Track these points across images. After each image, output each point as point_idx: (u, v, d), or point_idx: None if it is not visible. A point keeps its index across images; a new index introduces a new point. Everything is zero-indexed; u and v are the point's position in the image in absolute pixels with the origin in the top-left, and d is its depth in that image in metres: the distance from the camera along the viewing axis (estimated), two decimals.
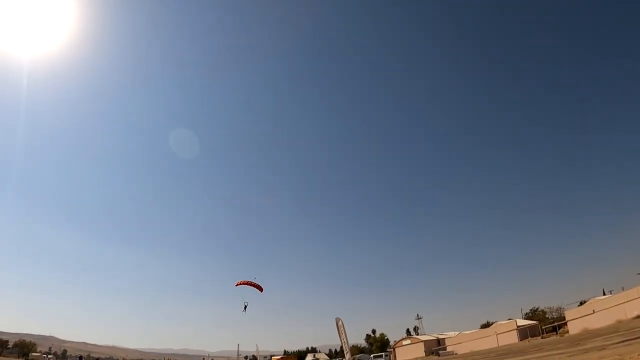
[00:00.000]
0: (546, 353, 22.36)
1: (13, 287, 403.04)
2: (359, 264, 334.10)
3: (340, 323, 21.61)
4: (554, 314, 67.98)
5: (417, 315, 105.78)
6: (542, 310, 77.97)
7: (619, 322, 38.65)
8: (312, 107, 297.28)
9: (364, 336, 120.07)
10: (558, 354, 20.24)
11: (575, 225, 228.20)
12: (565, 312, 56.18)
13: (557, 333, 53.29)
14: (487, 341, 59.48)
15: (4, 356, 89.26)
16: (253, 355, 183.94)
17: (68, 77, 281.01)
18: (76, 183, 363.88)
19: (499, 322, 65.01)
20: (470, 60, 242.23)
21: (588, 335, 32.97)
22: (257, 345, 67.39)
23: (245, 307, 42.35)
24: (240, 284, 39.24)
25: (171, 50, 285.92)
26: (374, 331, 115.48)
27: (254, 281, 38.05)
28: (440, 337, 74.54)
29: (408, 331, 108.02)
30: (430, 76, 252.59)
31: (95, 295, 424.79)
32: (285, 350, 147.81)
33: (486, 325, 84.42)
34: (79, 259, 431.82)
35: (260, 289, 38.76)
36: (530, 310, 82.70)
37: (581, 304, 61.07)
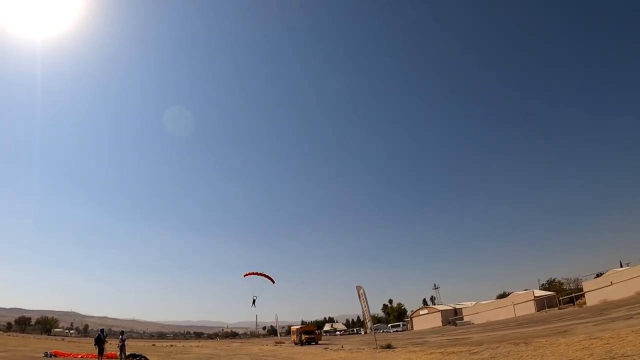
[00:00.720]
0: (570, 322, 23.09)
1: (34, 265, 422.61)
2: (376, 236, 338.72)
3: (361, 291, 22.08)
4: (571, 285, 68.34)
5: (434, 285, 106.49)
6: (559, 282, 78.24)
7: (639, 293, 39.10)
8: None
9: (381, 306, 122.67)
10: (583, 322, 20.97)
11: (591, 198, 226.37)
12: (582, 283, 56.69)
13: (574, 304, 53.96)
14: (504, 311, 60.57)
15: (27, 333, 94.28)
16: (271, 326, 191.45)
17: (77, 56, 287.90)
18: (94, 160, 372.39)
19: (516, 293, 65.77)
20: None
21: (609, 305, 33.46)
22: (276, 315, 68.56)
23: (254, 301, 42.82)
24: (249, 274, 39.52)
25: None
26: (390, 301, 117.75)
27: (264, 273, 38.91)
28: (457, 307, 75.38)
29: (425, 301, 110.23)
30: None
31: (116, 270, 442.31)
32: (302, 321, 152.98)
33: (502, 295, 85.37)
34: (98, 235, 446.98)
35: (272, 281, 39.14)
36: (547, 281, 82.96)
37: (597, 276, 61.45)
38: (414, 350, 17.53)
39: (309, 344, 41.17)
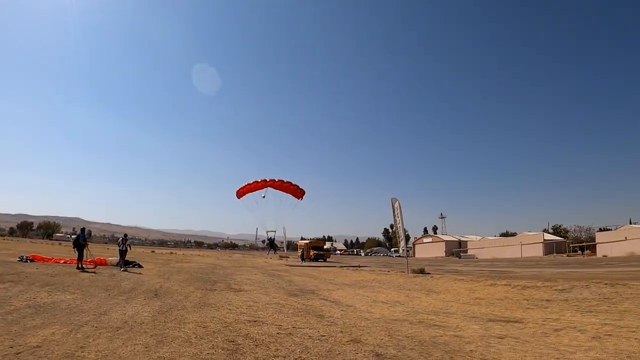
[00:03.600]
0: (628, 269, 20.48)
1: (40, 172, 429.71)
2: (381, 159, 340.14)
3: (397, 204, 19.00)
4: (582, 233, 66.40)
5: (441, 215, 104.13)
6: (565, 229, 76.66)
7: None
8: None
9: (382, 230, 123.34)
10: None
11: (609, 152, 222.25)
12: (595, 234, 54.54)
13: (582, 254, 52.32)
14: (511, 250, 59.31)
15: (28, 237, 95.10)
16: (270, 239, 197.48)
17: None
18: (98, 64, 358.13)
19: (525, 233, 64.18)
20: None
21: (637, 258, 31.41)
22: (284, 228, 63.60)
23: (272, 242, 29.39)
24: (246, 191, 24.30)
25: None
26: (392, 226, 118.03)
27: (279, 181, 23.93)
28: (462, 239, 74.42)
29: (425, 230, 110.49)
30: None
31: (120, 178, 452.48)
32: (302, 237, 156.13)
33: (505, 234, 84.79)
34: (104, 142, 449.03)
35: (298, 194, 24.34)
36: (552, 227, 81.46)
37: (600, 230, 59.49)
38: (461, 279, 14.68)
39: (316, 260, 39.77)
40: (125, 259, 17.27)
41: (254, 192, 24.13)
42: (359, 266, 25.95)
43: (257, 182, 23.92)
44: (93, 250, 38.36)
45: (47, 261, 17.87)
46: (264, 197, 23.54)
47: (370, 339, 5.30)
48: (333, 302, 9.12)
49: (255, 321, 6.22)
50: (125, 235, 17.46)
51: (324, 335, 5.43)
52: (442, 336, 5.65)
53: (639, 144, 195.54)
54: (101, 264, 17.78)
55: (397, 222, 18.94)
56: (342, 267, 25.62)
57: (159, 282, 11.80)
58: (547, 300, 9.44)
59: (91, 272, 13.84)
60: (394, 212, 19.19)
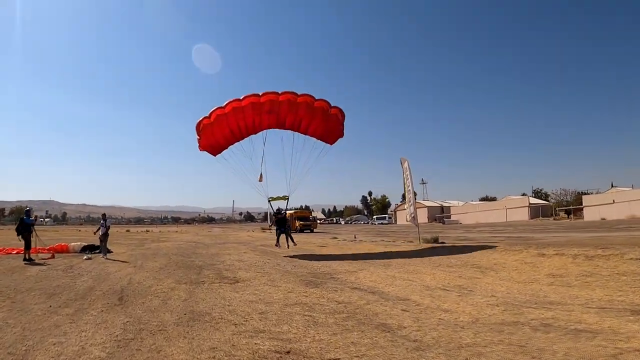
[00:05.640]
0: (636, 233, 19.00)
1: (12, 156, 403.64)
2: (354, 122, 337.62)
3: (406, 164, 16.71)
4: (568, 197, 66.58)
5: (422, 180, 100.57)
6: (546, 193, 77.25)
7: None
8: None
9: (359, 197, 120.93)
10: None
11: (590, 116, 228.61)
12: (583, 197, 54.49)
13: (569, 217, 52.30)
14: (496, 214, 58.93)
15: (1, 224, 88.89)
16: (247, 212, 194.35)
17: None
18: (68, 44, 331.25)
19: (509, 197, 63.95)
20: None
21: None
22: (269, 199, 59.40)
23: (283, 216, 15.07)
24: (229, 137, 12.92)
25: None
26: (370, 193, 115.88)
27: (287, 98, 12.08)
28: (445, 204, 73.65)
29: (403, 196, 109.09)
30: None
31: (93, 158, 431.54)
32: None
33: (485, 199, 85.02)
34: (75, 122, 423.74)
35: (332, 132, 13.62)
36: (534, 191, 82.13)
37: (579, 194, 59.86)
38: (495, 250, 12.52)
39: (303, 231, 37.48)
40: (93, 243, 14.29)
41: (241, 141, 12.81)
42: (355, 237, 23.74)
43: (238, 104, 11.66)
44: (66, 234, 34.21)
45: None
46: (260, 180, 13.64)
47: None
48: (373, 292, 6.54)
49: (288, 352, 3.51)
50: (104, 215, 14.20)
51: None
52: (622, 354, 3.18)
53: (619, 109, 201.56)
54: (61, 252, 14.86)
55: (407, 184, 16.61)
56: (334, 238, 23.41)
57: (128, 275, 8.92)
58: None
59: (42, 264, 10.92)
60: (403, 172, 16.81)
